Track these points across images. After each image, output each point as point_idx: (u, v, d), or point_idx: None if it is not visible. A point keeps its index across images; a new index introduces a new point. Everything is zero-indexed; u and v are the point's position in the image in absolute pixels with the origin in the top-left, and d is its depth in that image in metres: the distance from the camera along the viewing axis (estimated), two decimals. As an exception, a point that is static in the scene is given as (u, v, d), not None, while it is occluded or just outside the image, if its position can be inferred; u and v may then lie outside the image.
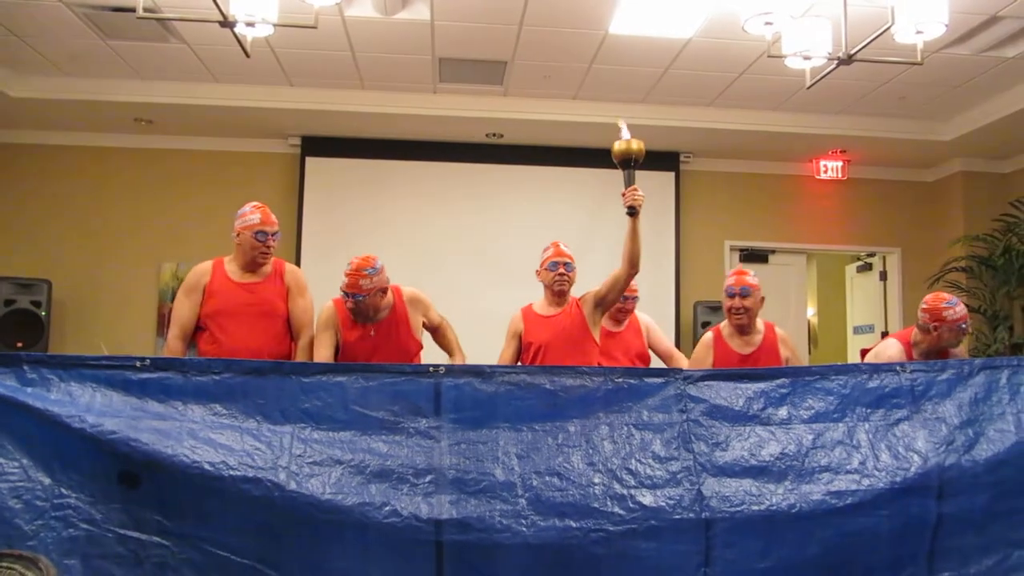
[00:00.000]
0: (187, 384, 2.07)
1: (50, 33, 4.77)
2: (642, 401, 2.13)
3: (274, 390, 2.07)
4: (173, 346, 3.27)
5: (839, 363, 3.01)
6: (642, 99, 5.73)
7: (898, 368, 2.22)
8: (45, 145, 6.27)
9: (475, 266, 6.29)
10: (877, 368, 2.23)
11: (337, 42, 4.86)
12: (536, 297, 3.63)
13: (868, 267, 7.22)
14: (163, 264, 6.27)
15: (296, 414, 2.05)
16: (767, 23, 3.43)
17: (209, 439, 1.98)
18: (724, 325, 3.61)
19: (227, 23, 3.37)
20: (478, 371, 2.15)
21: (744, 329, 3.53)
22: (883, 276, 7.01)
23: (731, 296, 3.45)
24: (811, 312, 8.72)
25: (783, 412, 2.15)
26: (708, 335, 3.62)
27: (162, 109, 5.73)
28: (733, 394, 2.17)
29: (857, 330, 7.39)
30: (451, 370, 2.13)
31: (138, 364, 2.09)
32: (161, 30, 4.71)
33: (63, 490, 1.95)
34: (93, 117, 5.95)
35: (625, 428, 2.09)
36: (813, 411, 2.15)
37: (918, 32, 3.44)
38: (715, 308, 6.24)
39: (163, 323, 6.21)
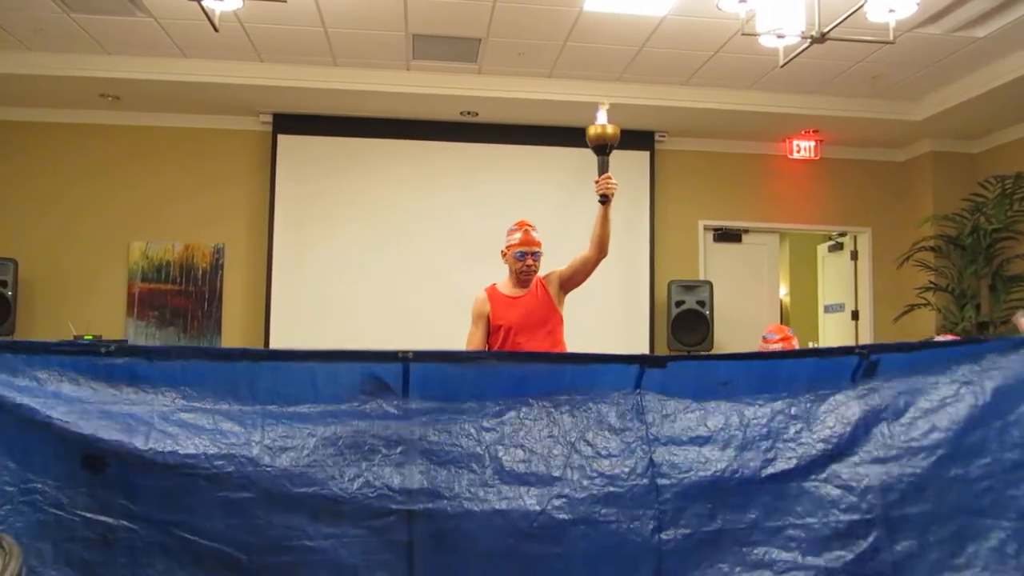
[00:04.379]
0: (154, 368, 2.07)
1: (12, 6, 4.63)
2: (602, 378, 2.22)
3: (245, 374, 2.09)
4: None
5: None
6: (617, 77, 5.70)
7: (858, 350, 2.28)
8: (8, 122, 6.12)
9: (449, 245, 6.26)
10: (833, 351, 2.31)
11: (308, 17, 4.76)
12: (504, 276, 3.61)
13: (839, 246, 7.26)
14: (132, 243, 6.17)
15: (267, 395, 2.07)
16: (741, 0, 3.41)
17: (181, 420, 1.99)
18: None
19: (193, -5, 3.29)
20: (446, 355, 2.21)
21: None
22: (854, 255, 7.07)
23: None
24: (783, 291, 8.80)
25: (738, 389, 2.22)
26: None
27: (129, 85, 5.60)
28: (691, 374, 2.26)
29: (828, 309, 7.46)
30: (420, 355, 2.17)
31: (103, 351, 2.08)
32: (127, 3, 4.59)
33: (30, 475, 1.94)
34: (58, 93, 5.81)
35: (584, 402, 2.17)
36: (768, 394, 2.21)
37: (890, 11, 3.46)
38: (689, 287, 6.29)
39: (133, 303, 6.12)
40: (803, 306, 8.57)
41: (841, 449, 2.14)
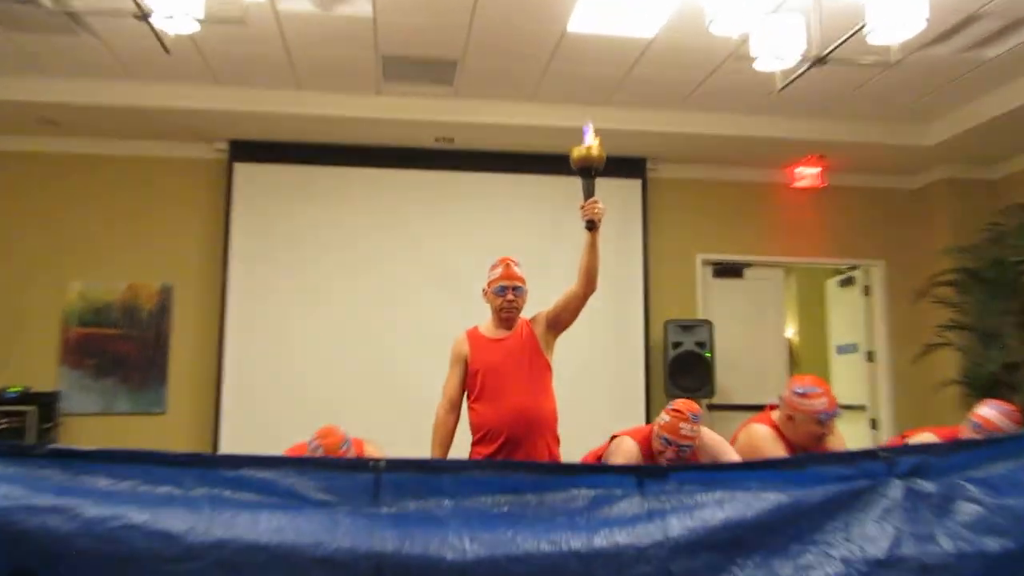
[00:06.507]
0: (97, 465, 2.08)
1: (-59, 25, 4.69)
2: (604, 477, 2.21)
3: (196, 477, 2.09)
4: None
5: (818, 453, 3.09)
6: (604, 101, 5.82)
7: (882, 455, 2.25)
8: (-67, 150, 6.14)
9: (424, 282, 6.32)
10: (855, 457, 2.28)
11: (269, 38, 4.85)
12: (486, 317, 3.65)
13: (850, 281, 7.34)
14: (69, 283, 6.16)
15: (223, 499, 2.06)
16: (733, 23, 3.54)
17: (119, 525, 1.96)
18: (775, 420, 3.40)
19: (143, 15, 3.37)
20: (421, 464, 2.21)
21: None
22: (867, 291, 7.15)
23: (823, 423, 3.23)
24: (790, 331, 8.86)
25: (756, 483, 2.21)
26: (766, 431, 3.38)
27: (69, 109, 5.66)
28: (699, 472, 2.28)
29: (841, 350, 7.52)
30: (393, 464, 2.16)
31: (35, 452, 2.10)
32: (69, 22, 4.65)
33: None
34: (-10, 118, 5.85)
35: (585, 500, 2.13)
36: (790, 489, 2.19)
37: (895, 31, 3.57)
38: (687, 327, 6.33)
39: (67, 349, 6.09)
40: (812, 347, 8.60)
41: (874, 550, 2.09)
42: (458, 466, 2.29)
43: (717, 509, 2.12)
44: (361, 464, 2.18)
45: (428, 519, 2.06)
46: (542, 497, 2.13)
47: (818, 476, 2.19)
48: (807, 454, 3.02)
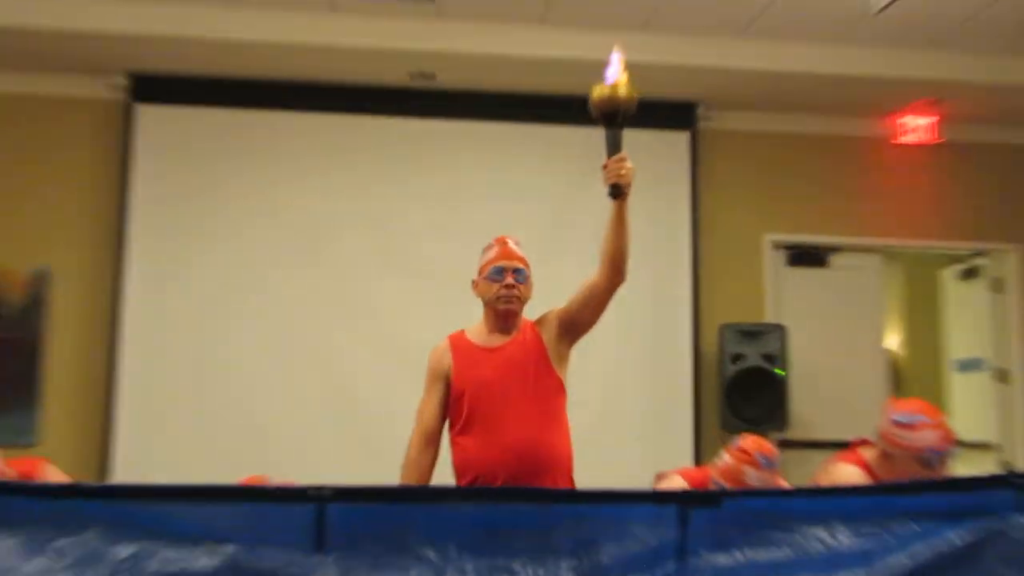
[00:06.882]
0: None
1: None
2: (624, 515, 2.19)
3: (74, 512, 2.04)
4: None
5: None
6: (641, 26, 5.76)
7: (1013, 479, 2.24)
8: None
9: (393, 270, 6.29)
10: (972, 482, 2.28)
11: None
12: (477, 319, 3.64)
13: (974, 272, 7.34)
14: (-84, 269, 6.18)
15: (104, 541, 2.01)
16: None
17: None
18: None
19: None
20: (381, 492, 2.21)
21: None
22: (997, 285, 7.13)
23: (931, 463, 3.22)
24: (893, 340, 8.85)
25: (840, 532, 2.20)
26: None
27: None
28: (762, 502, 2.27)
29: (961, 366, 7.52)
30: (343, 493, 2.10)
31: None
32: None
33: None
34: None
35: (605, 541, 2.13)
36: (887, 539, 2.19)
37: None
38: (750, 333, 6.31)
39: (-87, 358, 6.06)
40: (922, 361, 8.66)
41: None
42: (433, 495, 2.33)
43: (783, 556, 2.16)
44: (298, 493, 2.11)
45: (391, 570, 2.06)
46: (547, 538, 2.14)
47: (919, 510, 2.20)
48: (906, 481, 3.01)
